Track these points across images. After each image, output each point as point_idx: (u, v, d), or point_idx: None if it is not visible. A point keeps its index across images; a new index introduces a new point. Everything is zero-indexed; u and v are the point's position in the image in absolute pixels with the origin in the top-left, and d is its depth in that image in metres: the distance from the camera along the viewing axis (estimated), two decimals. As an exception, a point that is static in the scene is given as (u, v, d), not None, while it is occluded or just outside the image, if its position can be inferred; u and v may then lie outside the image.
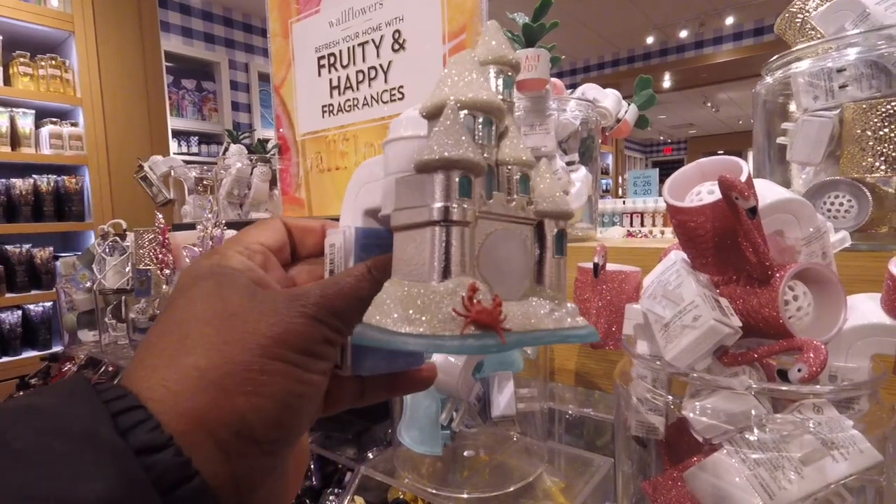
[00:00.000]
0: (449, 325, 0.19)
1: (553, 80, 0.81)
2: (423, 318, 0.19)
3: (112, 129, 2.15)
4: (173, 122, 3.72)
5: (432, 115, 0.22)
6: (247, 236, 0.24)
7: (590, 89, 0.82)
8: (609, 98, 0.83)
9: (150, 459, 0.16)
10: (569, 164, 0.78)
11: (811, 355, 0.33)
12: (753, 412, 0.37)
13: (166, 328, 0.19)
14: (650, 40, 5.33)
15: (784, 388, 0.35)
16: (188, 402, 0.18)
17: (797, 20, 0.58)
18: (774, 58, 0.59)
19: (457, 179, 0.20)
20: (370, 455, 0.68)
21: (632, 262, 0.58)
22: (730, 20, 4.75)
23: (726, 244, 0.37)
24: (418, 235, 0.20)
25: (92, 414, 0.17)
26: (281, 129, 1.23)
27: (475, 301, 0.19)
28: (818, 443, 0.35)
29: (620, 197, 3.85)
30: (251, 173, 1.18)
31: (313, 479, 0.71)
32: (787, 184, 0.62)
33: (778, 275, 0.35)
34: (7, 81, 2.02)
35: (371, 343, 0.19)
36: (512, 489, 0.59)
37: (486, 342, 0.19)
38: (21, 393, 1.19)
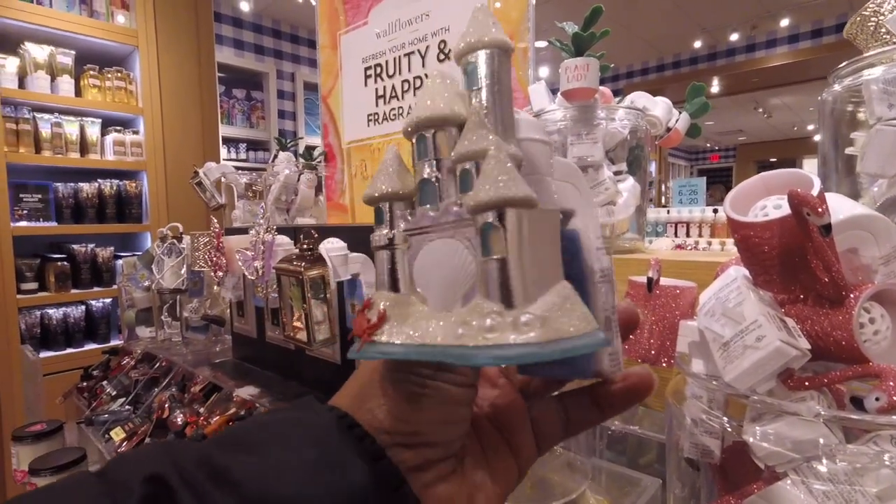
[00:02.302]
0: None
1: (602, 88, 0.80)
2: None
3: (169, 136, 2.27)
4: (224, 130, 3.89)
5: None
6: None
7: (639, 97, 0.80)
8: (659, 106, 0.81)
9: (380, 464, 0.22)
10: (616, 173, 0.77)
11: (891, 383, 0.30)
12: (822, 441, 0.35)
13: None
14: (698, 44, 5.16)
15: (859, 417, 0.33)
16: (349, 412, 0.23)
17: (870, 24, 0.55)
18: (843, 64, 0.56)
19: (381, 211, 0.23)
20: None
21: (682, 275, 0.56)
22: (785, 22, 4.55)
23: (793, 262, 0.35)
24: None
25: (338, 428, 0.22)
26: (327, 138, 1.27)
27: (361, 314, 0.23)
28: (896, 478, 0.32)
29: (664, 206, 3.73)
30: (298, 180, 1.22)
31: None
32: (855, 197, 0.58)
33: (853, 295, 0.33)
34: (78, 93, 2.16)
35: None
36: (556, 504, 0.58)
37: (353, 349, 0.23)
38: (84, 383, 1.27)
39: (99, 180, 2.20)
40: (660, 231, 2.70)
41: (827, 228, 0.30)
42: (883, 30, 0.54)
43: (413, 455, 0.23)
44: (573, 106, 0.74)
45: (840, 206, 0.35)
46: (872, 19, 0.55)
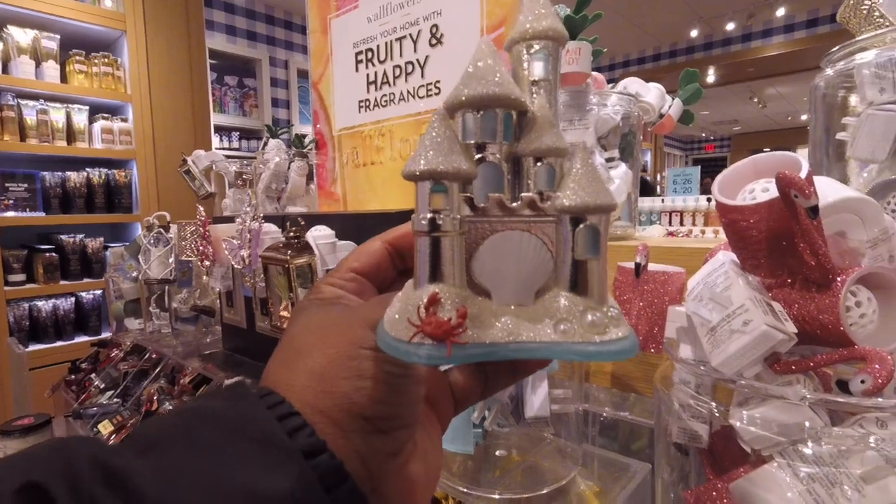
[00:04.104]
0: (409, 333, 0.19)
1: (594, 74, 0.79)
2: (398, 326, 0.20)
3: (159, 124, 2.24)
4: (216, 118, 3.84)
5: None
6: (340, 267, 0.27)
7: (632, 83, 0.80)
8: (652, 92, 0.80)
9: (313, 461, 0.19)
10: (608, 160, 0.76)
11: (876, 366, 0.30)
12: (808, 424, 0.35)
13: (282, 347, 0.24)
14: (694, 33, 5.14)
15: (844, 399, 0.33)
16: (304, 395, 0.21)
17: (863, 7, 0.55)
18: (836, 48, 0.55)
19: (428, 188, 0.20)
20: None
21: (673, 262, 0.56)
22: (781, 12, 4.53)
23: (781, 245, 0.35)
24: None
25: (263, 419, 0.20)
26: (318, 125, 1.25)
27: (430, 312, 0.19)
28: (881, 460, 0.32)
29: (659, 195, 3.74)
30: (289, 168, 1.20)
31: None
32: (845, 182, 0.58)
33: (839, 279, 0.33)
34: (64, 79, 2.13)
35: (379, 340, 0.21)
36: (545, 491, 0.58)
37: (431, 353, 0.19)
38: (73, 376, 1.26)
39: (87, 169, 2.17)
40: (654, 220, 2.70)
41: (814, 210, 0.30)
42: (876, 13, 0.53)
43: (391, 441, 0.22)
44: (565, 91, 0.73)
45: (828, 190, 0.35)
46: (866, 2, 0.54)
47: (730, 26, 4.88)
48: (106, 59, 2.16)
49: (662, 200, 2.74)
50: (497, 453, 0.62)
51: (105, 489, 0.17)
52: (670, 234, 1.13)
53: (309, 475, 0.19)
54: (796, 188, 0.30)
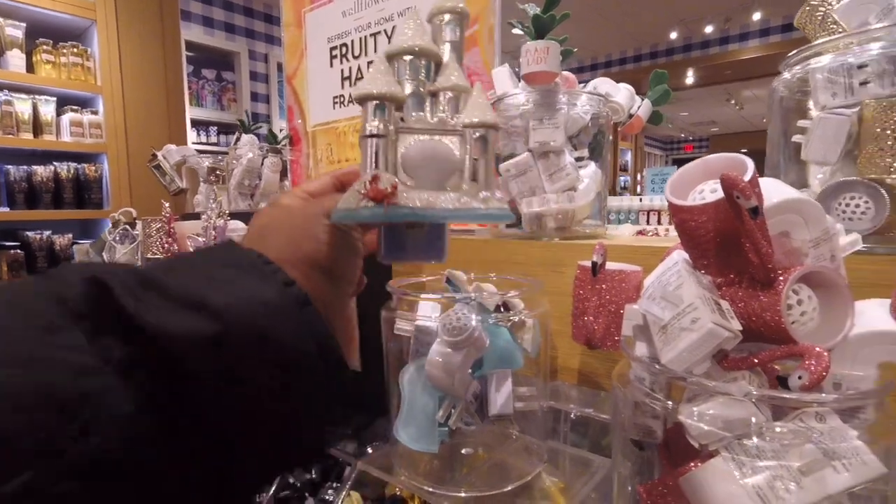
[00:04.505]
0: (358, 200, 0.28)
1: (565, 73, 0.80)
2: (351, 197, 0.28)
3: (131, 117, 2.19)
4: (192, 112, 3.77)
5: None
6: (296, 189, 0.35)
7: (602, 83, 0.80)
8: (622, 93, 0.81)
9: (288, 289, 0.27)
10: (578, 159, 0.77)
11: (812, 362, 0.31)
12: (754, 419, 0.35)
13: (253, 231, 0.32)
14: (673, 35, 5.22)
15: (785, 395, 0.34)
16: (278, 254, 0.28)
17: (818, 13, 0.56)
18: (793, 53, 0.57)
19: (373, 106, 0.29)
20: (370, 450, 0.68)
21: (637, 261, 0.57)
22: (757, 16, 4.63)
23: (728, 245, 0.36)
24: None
25: (251, 256, 0.27)
26: (293, 120, 1.24)
27: (373, 184, 0.28)
28: (819, 453, 0.33)
29: (639, 194, 3.78)
30: (262, 164, 1.19)
31: (312, 473, 0.72)
32: (803, 183, 0.60)
33: (782, 277, 0.34)
34: (30, 69, 2.06)
35: (335, 220, 0.30)
36: (510, 488, 0.58)
37: (374, 212, 0.28)
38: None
39: (55, 163, 2.11)
40: (631, 219, 2.74)
41: (755, 211, 0.31)
42: (830, 19, 0.55)
43: (338, 287, 0.32)
44: (535, 90, 0.74)
45: (773, 191, 0.36)
46: (820, 9, 0.56)
47: (708, 29, 4.97)
48: (75, 49, 2.10)
49: (640, 199, 2.78)
50: (463, 451, 0.63)
51: (141, 288, 0.23)
52: (640, 233, 1.14)
53: (287, 293, 0.26)
54: (738, 190, 0.31)
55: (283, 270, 0.27)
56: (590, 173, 0.76)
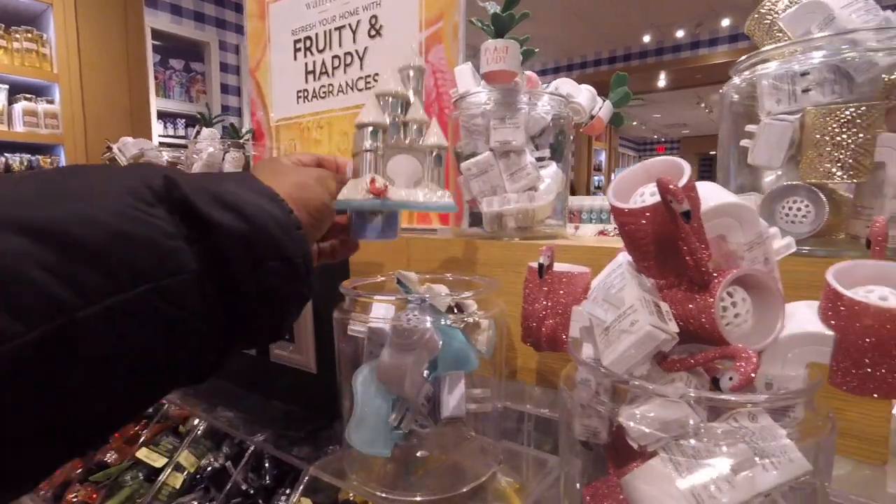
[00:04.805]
0: (362, 194, 0.44)
1: (529, 73, 0.80)
2: (355, 192, 0.44)
3: (91, 107, 2.10)
4: (159, 104, 3.65)
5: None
6: (287, 157, 0.46)
7: (564, 84, 0.81)
8: (583, 94, 0.82)
9: (290, 216, 0.37)
10: (539, 159, 0.77)
11: (742, 364, 0.32)
12: (692, 421, 0.36)
13: (265, 170, 0.42)
14: (647, 38, 5.31)
15: (719, 396, 0.34)
16: (288, 192, 0.39)
17: (766, 21, 0.57)
18: (742, 58, 0.58)
19: (369, 130, 0.46)
20: (326, 454, 0.67)
21: (595, 262, 0.57)
22: (726, 22, 4.75)
23: (667, 248, 0.36)
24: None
25: (265, 187, 0.37)
26: (256, 115, 1.21)
27: (373, 184, 0.44)
28: (750, 452, 0.34)
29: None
30: (223, 159, 1.15)
31: (266, 478, 0.70)
32: (754, 187, 0.61)
33: (715, 281, 0.35)
34: (-19, 55, 1.96)
35: (338, 205, 0.45)
36: (465, 490, 0.58)
37: (374, 201, 0.44)
38: None
39: (6, 154, 2.01)
40: (604, 218, 2.77)
41: (687, 215, 0.31)
42: (776, 27, 0.56)
43: (317, 231, 0.44)
44: (496, 89, 0.74)
45: (709, 195, 0.36)
46: (768, 17, 0.57)
47: (679, 33, 5.07)
48: (29, 35, 2.00)
49: (610, 199, 2.80)
50: (418, 454, 0.62)
51: (199, 189, 0.32)
52: (601, 233, 1.16)
53: (290, 218, 0.37)
54: (670, 193, 0.31)
55: (287, 202, 0.37)
56: (551, 173, 0.77)
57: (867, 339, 0.31)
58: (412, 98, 0.48)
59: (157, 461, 0.72)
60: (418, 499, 0.56)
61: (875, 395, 0.32)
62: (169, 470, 0.70)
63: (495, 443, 0.62)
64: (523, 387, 0.76)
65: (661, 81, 5.75)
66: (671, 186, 0.31)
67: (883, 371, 0.31)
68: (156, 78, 3.61)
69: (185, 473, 0.70)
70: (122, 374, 0.27)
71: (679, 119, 8.32)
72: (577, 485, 0.47)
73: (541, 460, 0.66)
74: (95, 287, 0.25)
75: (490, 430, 0.63)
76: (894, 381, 0.31)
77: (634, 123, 8.15)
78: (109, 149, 1.19)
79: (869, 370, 0.31)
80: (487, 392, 0.57)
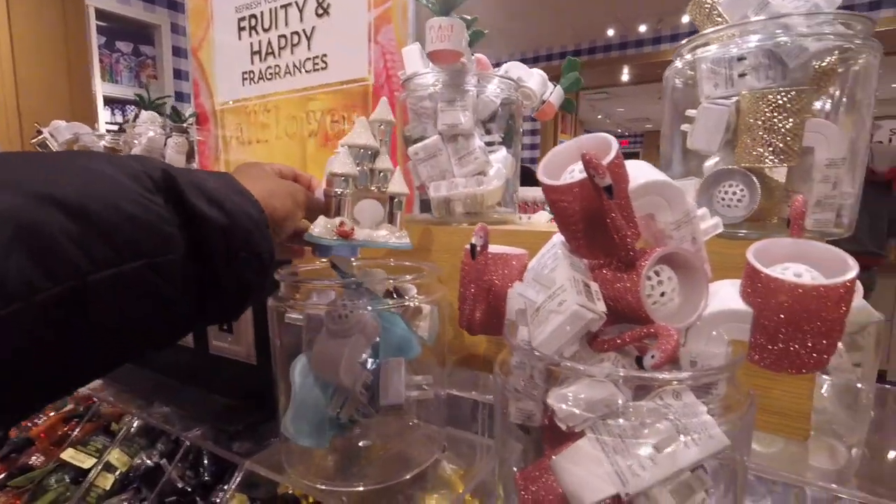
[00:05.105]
0: (331, 234, 0.49)
1: (479, 56, 0.78)
2: (325, 231, 0.49)
3: (24, 93, 1.96)
4: (106, 89, 3.45)
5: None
6: (267, 164, 0.51)
7: (514, 68, 0.80)
8: (534, 78, 0.81)
9: (262, 215, 0.41)
10: (488, 144, 0.76)
11: (662, 341, 0.32)
12: (620, 401, 0.36)
13: (245, 173, 0.47)
14: (610, 32, 5.38)
15: (644, 374, 0.34)
16: (260, 194, 0.42)
17: (706, 5, 0.58)
18: (684, 42, 0.58)
19: (340, 178, 0.51)
20: (266, 448, 0.65)
21: (539, 247, 0.56)
22: (686, 18, 4.86)
23: (595, 226, 0.35)
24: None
25: (244, 188, 0.41)
26: (199, 97, 1.15)
27: (341, 226, 0.49)
28: (673, 429, 0.34)
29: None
30: (165, 144, 1.10)
31: (205, 475, 0.67)
32: (695, 172, 0.62)
33: (641, 260, 0.34)
34: None
35: (308, 238, 0.49)
36: (407, 477, 0.57)
37: (341, 243, 0.50)
38: None
39: (-68, 137, 1.86)
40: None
41: (609, 190, 0.30)
42: (715, 12, 0.56)
43: (276, 235, 0.45)
44: (444, 70, 0.72)
45: (638, 173, 0.36)
46: (708, 1, 0.57)
47: (642, 28, 5.16)
48: (-46, 10, 1.85)
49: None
50: (360, 444, 0.61)
51: (191, 184, 0.36)
52: (553, 220, 1.16)
53: (262, 216, 0.41)
54: (592, 168, 0.30)
55: (261, 203, 0.42)
56: (500, 158, 0.76)
57: (781, 315, 0.31)
58: (381, 149, 0.54)
59: (85, 462, 0.68)
60: (360, 489, 0.55)
61: (790, 371, 0.32)
62: (98, 470, 0.66)
63: (440, 430, 0.62)
64: (478, 375, 0.76)
65: (625, 76, 5.84)
66: (593, 160, 0.30)
67: (795, 346, 0.31)
68: (101, 62, 3.41)
69: (117, 473, 0.66)
70: (116, 331, 0.32)
71: (642, 113, 8.50)
72: (515, 468, 0.46)
73: (486, 446, 0.66)
74: (105, 258, 0.30)
75: (435, 418, 0.62)
76: (807, 356, 0.32)
77: (599, 117, 8.28)
78: (40, 133, 1.11)
79: (782, 346, 0.31)
80: (430, 379, 0.56)
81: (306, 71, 0.97)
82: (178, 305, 0.36)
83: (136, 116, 1.11)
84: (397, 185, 0.54)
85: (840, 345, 0.62)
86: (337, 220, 0.49)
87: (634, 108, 8.00)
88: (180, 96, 3.82)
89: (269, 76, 1.02)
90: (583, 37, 5.57)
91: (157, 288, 0.33)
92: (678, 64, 0.60)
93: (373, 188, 0.53)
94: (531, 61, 5.90)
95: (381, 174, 0.54)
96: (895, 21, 3.17)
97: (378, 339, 0.54)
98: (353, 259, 0.54)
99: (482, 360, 0.74)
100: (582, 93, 5.89)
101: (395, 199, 0.54)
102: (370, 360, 0.55)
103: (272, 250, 0.42)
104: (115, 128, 3.39)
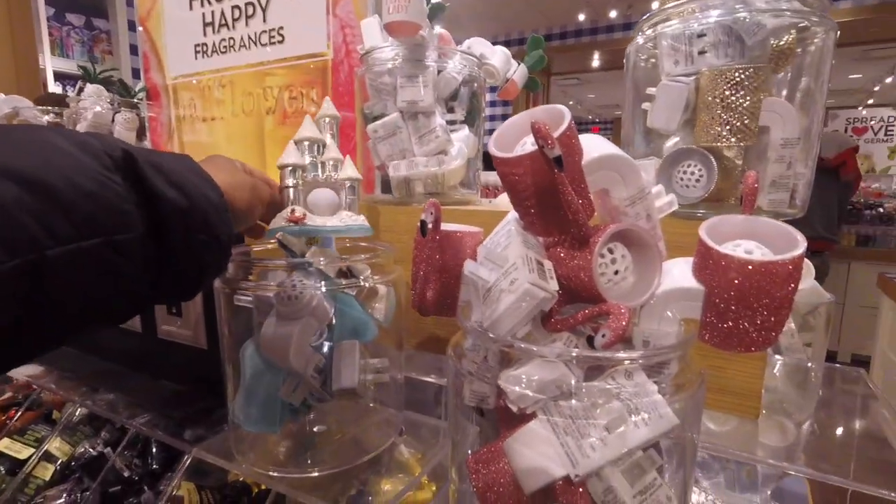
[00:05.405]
0: (283, 223, 0.49)
1: (440, 30, 0.76)
2: (279, 220, 0.50)
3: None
4: (56, 63, 3.25)
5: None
6: (243, 164, 0.51)
7: (477, 44, 0.77)
8: (497, 56, 0.79)
9: (222, 199, 0.42)
10: (450, 122, 0.74)
11: (612, 320, 0.31)
12: (572, 381, 0.35)
13: (212, 163, 0.47)
14: (581, 17, 5.37)
15: (595, 354, 0.33)
16: (222, 182, 0.43)
17: (669, -17, 0.57)
18: (644, 17, 0.57)
19: (289, 170, 0.52)
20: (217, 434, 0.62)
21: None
22: (655, 4, 4.88)
23: (548, 201, 0.34)
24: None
25: (206, 173, 0.42)
26: (149, 71, 1.08)
27: (292, 213, 0.49)
28: (624, 409, 0.33)
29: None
30: (113, 119, 1.03)
31: (153, 463, 0.64)
32: (657, 152, 0.61)
33: (594, 237, 0.33)
34: None
35: (268, 237, 0.51)
36: (363, 461, 0.55)
37: (291, 229, 0.49)
38: None
39: None
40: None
41: (558, 161, 0.29)
42: (677, -13, 0.55)
43: (239, 224, 0.48)
44: (403, 44, 0.69)
45: (592, 146, 0.35)
46: (670, -24, 0.56)
47: (612, 14, 5.17)
48: None
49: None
50: (315, 429, 0.59)
51: (150, 165, 0.36)
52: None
53: (222, 200, 0.41)
54: (541, 137, 0.28)
55: (221, 189, 0.42)
56: (462, 137, 0.74)
57: (731, 292, 0.31)
58: (328, 141, 0.55)
59: (21, 452, 0.64)
60: (314, 474, 0.53)
61: (739, 349, 0.32)
62: (35, 461, 0.62)
63: (398, 413, 0.60)
64: (440, 358, 0.75)
65: (595, 61, 5.86)
66: (542, 129, 0.28)
67: (745, 324, 0.31)
68: (51, 35, 3.20)
69: (57, 463, 0.63)
70: (72, 306, 0.32)
71: (612, 100, 8.58)
72: (470, 451, 0.45)
73: (444, 430, 0.65)
74: (64, 233, 0.30)
75: (393, 401, 0.60)
76: (756, 334, 0.31)
77: (571, 103, 8.31)
78: (-30, 104, 1.02)
79: (731, 324, 0.31)
80: (385, 362, 0.54)
81: (262, 44, 0.92)
82: (135, 283, 0.36)
83: (81, 90, 1.03)
84: (348, 171, 0.53)
85: (792, 325, 0.63)
86: (289, 208, 0.49)
87: (605, 94, 8.06)
88: (137, 73, 3.64)
89: (223, 49, 0.96)
90: (554, 21, 5.55)
91: (115, 265, 0.33)
92: (640, 40, 0.59)
93: (323, 178, 0.53)
94: (502, 45, 5.88)
95: (332, 163, 0.54)
96: (854, 13, 3.27)
97: (332, 321, 0.52)
98: (304, 239, 0.51)
99: (444, 344, 0.73)
100: (553, 78, 5.89)
101: (349, 185, 0.53)
102: (325, 344, 0.53)
103: (231, 234, 0.43)
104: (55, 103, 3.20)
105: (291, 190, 0.51)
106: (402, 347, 0.59)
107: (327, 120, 0.57)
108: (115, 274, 0.34)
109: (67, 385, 0.72)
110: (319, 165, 0.54)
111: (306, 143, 0.54)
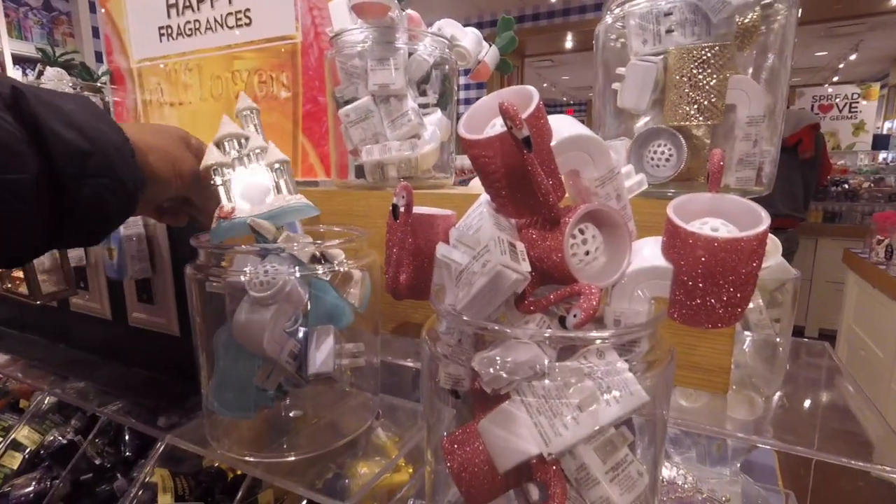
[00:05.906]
0: (216, 220, 0.49)
1: (410, 12, 0.74)
2: (213, 220, 0.50)
3: None
4: (13, 45, 3.11)
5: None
6: (180, 130, 0.53)
7: (447, 26, 0.76)
8: (469, 37, 0.78)
9: (126, 143, 0.42)
10: (422, 106, 0.73)
11: (584, 300, 0.31)
12: (545, 361, 0.35)
13: (147, 126, 0.53)
14: (553, -1, 5.33)
15: (567, 334, 0.34)
16: (142, 143, 0.44)
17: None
18: (614, -6, 0.57)
19: (212, 170, 0.51)
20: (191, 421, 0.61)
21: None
22: (628, -15, 4.87)
23: (519, 182, 0.34)
24: None
25: (110, 118, 0.42)
26: (112, 54, 1.04)
27: (221, 209, 0.49)
28: (595, 388, 0.34)
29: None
30: (72, 104, 0.99)
31: (126, 451, 0.63)
32: (628, 133, 0.61)
33: (564, 218, 0.33)
34: None
35: (213, 239, 0.50)
36: (338, 445, 0.56)
37: (222, 223, 0.49)
38: None
39: None
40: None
41: (527, 142, 0.29)
42: (647, -35, 0.55)
43: (155, 194, 0.48)
44: (373, 26, 0.67)
45: (561, 127, 0.35)
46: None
47: (585, -7, 5.14)
48: None
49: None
50: (292, 414, 0.58)
51: (44, 104, 0.36)
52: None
53: (126, 145, 0.42)
54: (509, 117, 0.28)
55: (132, 142, 0.42)
56: (435, 121, 0.73)
57: (699, 270, 0.31)
58: (251, 132, 0.55)
59: (-14, 441, 0.62)
60: (290, 459, 0.53)
61: (706, 325, 0.32)
62: (2, 449, 0.61)
63: (374, 397, 0.60)
64: (417, 342, 0.75)
65: (569, 43, 5.84)
66: (510, 109, 0.28)
67: (712, 301, 0.31)
68: (7, 15, 3.05)
69: (26, 452, 0.62)
70: None
71: (586, 82, 8.59)
72: (445, 433, 0.46)
73: (418, 412, 0.65)
74: None
75: (369, 385, 0.60)
76: (723, 310, 0.32)
77: (545, 85, 8.30)
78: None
79: (699, 301, 0.32)
80: (361, 346, 0.54)
81: (229, 27, 0.89)
82: (31, 225, 0.36)
83: (41, 73, 0.99)
84: (273, 154, 0.53)
85: (760, 301, 0.65)
86: (223, 206, 0.49)
87: (579, 76, 8.06)
88: (101, 56, 3.49)
89: (188, 32, 0.93)
90: (526, 2, 5.49)
91: (6, 205, 0.33)
92: (608, 20, 0.59)
93: (247, 169, 0.53)
94: (474, 27, 5.81)
95: (256, 153, 0.54)
96: (821, -7, 3.32)
97: (307, 306, 0.51)
98: (276, 226, 0.50)
99: (420, 328, 0.73)
100: (527, 60, 5.85)
101: (276, 168, 0.52)
102: (300, 329, 0.53)
103: (139, 179, 0.42)
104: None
105: (221, 188, 0.50)
106: (378, 332, 0.59)
107: (246, 113, 0.57)
108: (7, 213, 0.34)
109: (35, 374, 0.70)
110: (245, 158, 0.54)
111: (226, 141, 0.53)
